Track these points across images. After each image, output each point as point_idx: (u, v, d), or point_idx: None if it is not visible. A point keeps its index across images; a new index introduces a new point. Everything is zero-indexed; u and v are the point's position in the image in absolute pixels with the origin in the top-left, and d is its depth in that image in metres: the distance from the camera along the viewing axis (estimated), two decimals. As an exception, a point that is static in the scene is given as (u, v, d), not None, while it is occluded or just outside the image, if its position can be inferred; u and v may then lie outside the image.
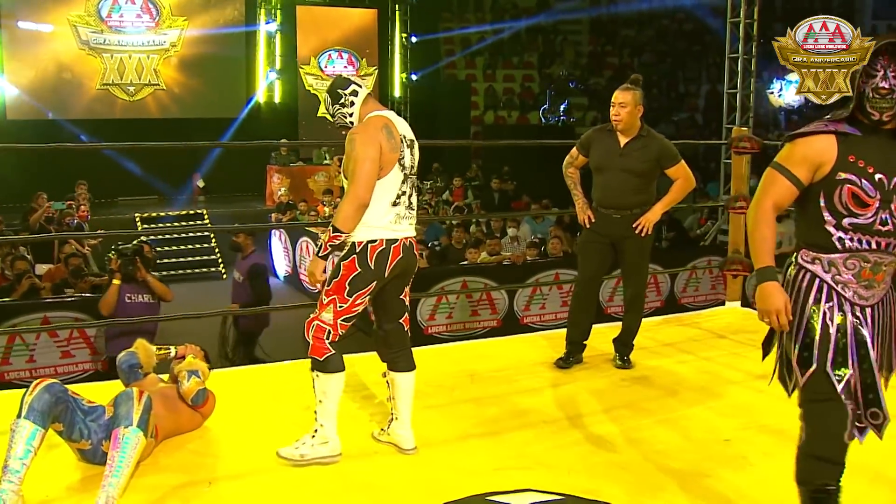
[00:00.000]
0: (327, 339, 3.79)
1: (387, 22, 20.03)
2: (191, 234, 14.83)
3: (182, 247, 14.63)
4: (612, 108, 5.19)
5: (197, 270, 14.35)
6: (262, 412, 4.54)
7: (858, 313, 2.87)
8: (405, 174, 3.85)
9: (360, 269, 3.75)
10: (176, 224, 15.15)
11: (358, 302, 3.79)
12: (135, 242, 7.29)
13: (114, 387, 4.24)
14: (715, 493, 3.61)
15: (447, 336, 9.42)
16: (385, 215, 3.80)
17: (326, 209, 13.22)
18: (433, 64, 21.58)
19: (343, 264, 3.77)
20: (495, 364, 5.42)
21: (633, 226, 5.18)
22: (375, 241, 3.77)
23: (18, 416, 3.36)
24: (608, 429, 4.33)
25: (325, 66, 18.97)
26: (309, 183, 16.43)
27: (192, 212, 15.66)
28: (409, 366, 4.04)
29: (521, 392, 4.92)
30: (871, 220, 2.81)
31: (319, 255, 3.78)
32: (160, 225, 15.08)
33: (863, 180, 2.79)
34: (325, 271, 3.85)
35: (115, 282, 7.06)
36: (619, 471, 3.81)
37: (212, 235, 14.96)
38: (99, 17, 16.68)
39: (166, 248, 14.38)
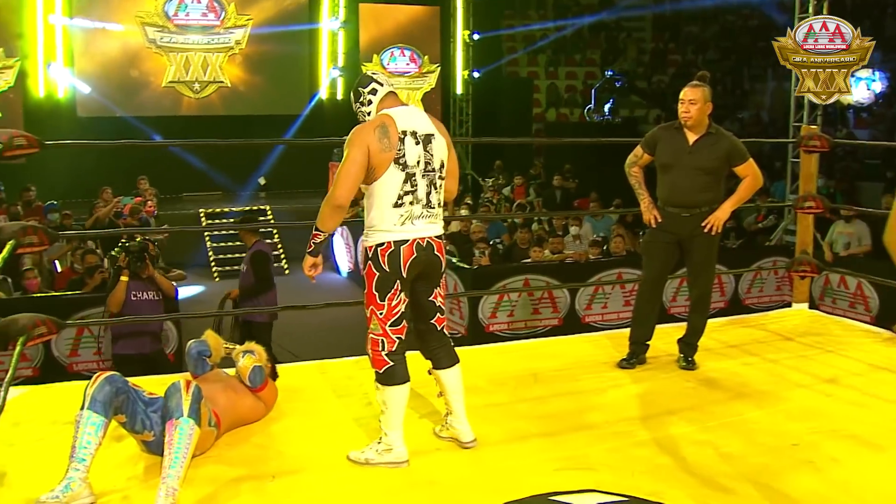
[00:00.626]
0: (383, 349, 3.80)
1: (449, 19, 20.00)
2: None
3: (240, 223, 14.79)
4: (680, 104, 5.11)
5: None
6: (326, 408, 4.56)
7: None
8: (408, 173, 3.77)
9: (378, 273, 3.76)
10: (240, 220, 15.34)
11: (393, 303, 3.78)
12: (139, 240, 7.22)
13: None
14: (783, 499, 3.53)
15: (508, 334, 9.40)
16: (388, 218, 3.76)
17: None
18: (495, 61, 21.51)
19: (365, 273, 3.82)
20: (558, 363, 5.37)
21: (702, 224, 5.10)
22: (383, 244, 3.75)
23: (82, 407, 3.44)
24: (672, 431, 4.25)
25: (388, 63, 19.10)
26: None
27: (255, 207, 15.84)
28: (451, 361, 4.02)
29: (583, 392, 4.87)
30: None
31: (307, 251, 3.87)
32: (223, 220, 15.27)
33: None
34: (313, 266, 3.93)
35: (124, 278, 7.03)
36: (684, 474, 3.75)
37: (275, 231, 15.13)
38: (165, 16, 16.97)
39: (229, 244, 14.58)
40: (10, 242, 3.95)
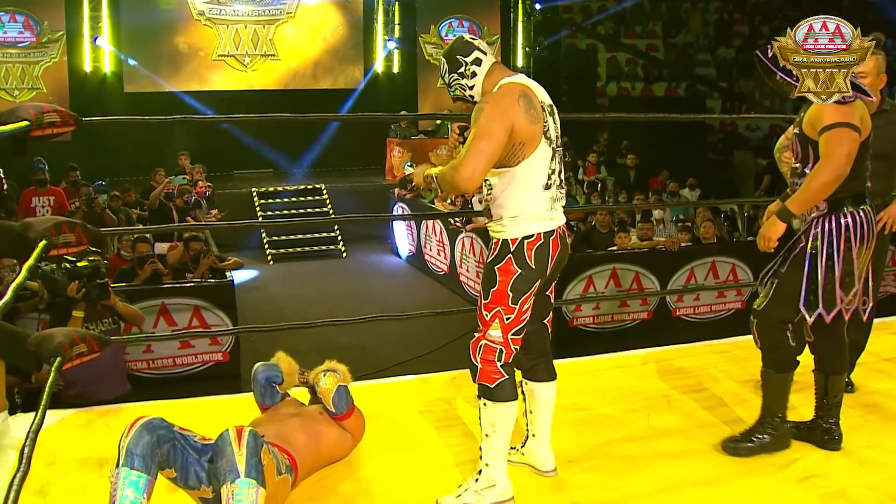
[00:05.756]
0: (499, 360, 3.16)
1: (509, -12, 19.09)
2: (309, 210, 14.34)
3: (298, 220, 14.16)
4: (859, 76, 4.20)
5: (316, 248, 13.76)
6: (415, 439, 3.79)
7: None
8: (553, 148, 3.20)
9: (519, 271, 3.14)
10: (293, 199, 14.64)
11: (525, 308, 3.18)
12: (91, 259, 5.31)
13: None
14: None
15: (594, 329, 8.60)
16: (540, 203, 3.16)
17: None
18: (554, 34, 20.57)
19: (498, 269, 3.15)
20: (687, 379, 4.53)
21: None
22: (532, 235, 3.14)
23: (117, 464, 2.66)
24: (833, 464, 3.53)
25: (446, 35, 18.37)
26: (431, 157, 15.71)
27: (309, 186, 15.12)
28: (549, 375, 3.46)
29: (711, 406, 4.12)
30: None
31: (432, 186, 3.32)
32: (277, 200, 14.58)
33: None
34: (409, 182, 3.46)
35: (78, 314, 5.21)
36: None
37: (331, 211, 14.42)
38: (214, -14, 16.16)
39: (284, 221, 13.94)
40: (41, 243, 3.18)
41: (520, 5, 19.18)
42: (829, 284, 3.48)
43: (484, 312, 3.17)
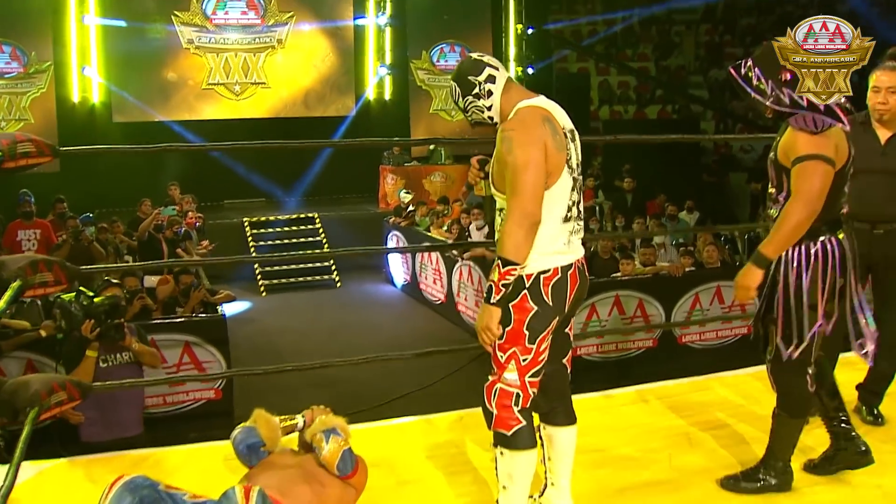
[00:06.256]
0: (516, 405, 2.93)
1: (500, 12, 18.92)
2: (302, 240, 14.09)
3: (293, 253, 13.85)
4: (874, 94, 3.98)
5: (309, 278, 13.49)
6: (422, 488, 3.52)
7: None
8: (574, 178, 2.97)
9: (536, 308, 2.90)
10: (286, 229, 14.38)
11: (543, 348, 2.94)
12: (106, 297, 5.04)
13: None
14: None
15: (598, 358, 8.35)
16: (558, 236, 2.92)
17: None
18: (545, 58, 20.45)
19: (512, 306, 2.90)
20: (707, 414, 4.27)
21: (900, 244, 4.00)
22: (548, 270, 2.91)
23: None
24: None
25: (437, 61, 18.19)
26: (424, 184, 15.54)
27: (302, 215, 14.85)
28: (569, 418, 3.20)
29: (732, 444, 3.87)
30: None
31: (492, 301, 2.86)
32: (269, 230, 14.31)
33: None
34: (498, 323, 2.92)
35: (91, 354, 4.98)
36: None
37: (324, 240, 14.16)
38: (204, 15, 16.03)
39: (276, 255, 13.62)
40: (14, 284, 2.92)
41: (511, 30, 19.03)
42: (798, 317, 3.28)
43: (499, 354, 2.92)
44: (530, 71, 19.50)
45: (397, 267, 13.33)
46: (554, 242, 2.90)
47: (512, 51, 19.16)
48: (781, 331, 3.33)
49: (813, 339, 3.31)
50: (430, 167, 16.10)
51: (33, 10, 15.01)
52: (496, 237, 3.04)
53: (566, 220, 2.93)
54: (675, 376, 4.95)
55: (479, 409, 3.97)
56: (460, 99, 3.04)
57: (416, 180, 15.57)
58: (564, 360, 3.15)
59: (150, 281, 8.60)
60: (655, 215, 12.65)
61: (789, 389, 3.39)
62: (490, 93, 2.97)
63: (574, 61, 22.32)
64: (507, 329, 2.90)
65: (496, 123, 3.02)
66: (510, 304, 2.89)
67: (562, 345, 3.10)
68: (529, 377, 2.92)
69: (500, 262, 2.81)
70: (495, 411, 2.93)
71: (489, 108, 2.99)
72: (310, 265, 13.65)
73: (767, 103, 3.25)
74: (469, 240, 10.49)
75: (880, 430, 4.11)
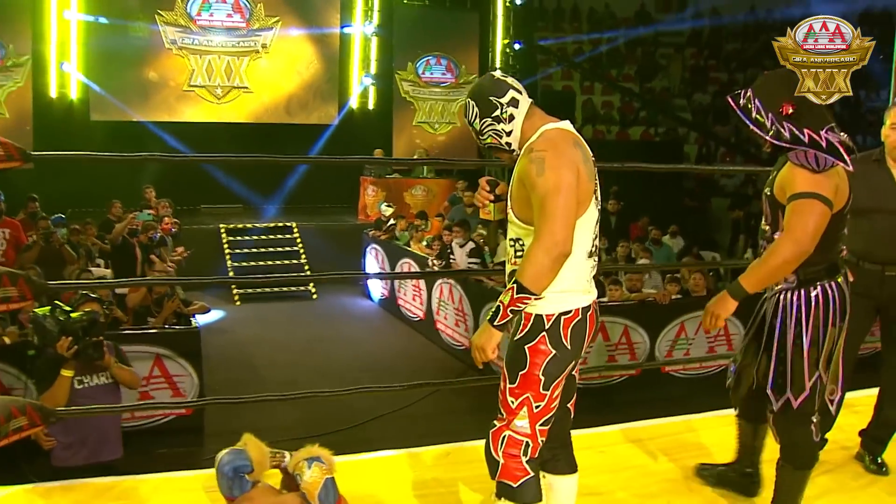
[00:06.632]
0: (524, 455, 2.71)
1: (488, 27, 18.78)
2: (279, 249, 13.81)
3: (269, 262, 13.57)
4: (893, 130, 3.81)
5: (285, 289, 13.20)
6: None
7: None
8: (598, 209, 2.80)
9: (554, 352, 2.69)
10: (263, 237, 14.08)
11: (556, 394, 2.74)
12: (84, 312, 4.65)
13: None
14: None
15: (580, 385, 8.12)
16: (583, 272, 2.73)
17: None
18: (531, 75, 20.35)
19: (528, 348, 2.69)
20: (704, 456, 4.08)
21: (914, 287, 3.83)
22: (570, 312, 2.69)
23: None
24: None
25: (423, 73, 17.99)
26: (405, 196, 15.31)
27: (280, 224, 14.55)
28: (572, 467, 3.03)
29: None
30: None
31: (495, 323, 2.64)
32: (246, 237, 14.02)
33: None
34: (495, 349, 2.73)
35: (66, 373, 4.56)
36: None
37: (301, 250, 13.89)
38: (188, 16, 15.74)
39: (252, 264, 13.36)
40: (-24, 301, 2.68)
41: (497, 45, 18.89)
42: (798, 366, 3.12)
43: (510, 399, 2.71)
44: (515, 88, 19.38)
45: (375, 281, 13.09)
46: (579, 280, 2.71)
47: (498, 66, 19.02)
48: (773, 380, 3.19)
49: (815, 387, 3.16)
50: (411, 180, 15.88)
51: (12, 3, 14.68)
52: (507, 267, 2.84)
53: (590, 255, 2.74)
54: (657, 406, 4.80)
55: (467, 444, 3.80)
56: (477, 120, 2.81)
57: (397, 193, 15.34)
58: (569, 405, 2.95)
59: (121, 289, 8.31)
60: (639, 239, 12.50)
61: (794, 440, 3.24)
62: (512, 117, 2.75)
63: (559, 79, 22.32)
64: (520, 373, 2.70)
65: (513, 150, 2.81)
66: (526, 346, 2.69)
67: (569, 387, 2.90)
68: (540, 425, 2.72)
69: (515, 286, 2.59)
70: (502, 460, 2.72)
71: (508, 134, 2.77)
72: (286, 275, 13.39)
73: (767, 137, 3.09)
74: (451, 257, 10.26)
75: (885, 479, 3.94)
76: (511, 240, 2.80)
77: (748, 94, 3.12)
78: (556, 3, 23.45)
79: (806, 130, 3.03)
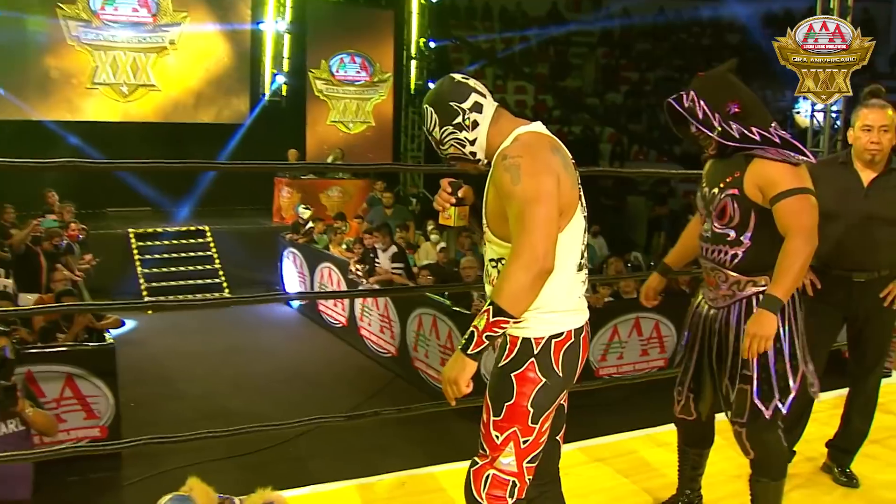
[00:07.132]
0: (510, 496, 2.42)
1: (403, 25, 18.50)
2: (191, 254, 13.27)
3: (181, 268, 13.02)
4: (865, 133, 3.62)
5: (199, 295, 12.65)
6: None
7: None
8: (584, 217, 2.54)
9: (544, 380, 2.41)
10: (175, 242, 13.49)
11: (545, 428, 2.46)
12: None
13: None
14: None
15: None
16: (573, 289, 2.46)
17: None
18: (445, 73, 20.15)
19: (514, 376, 2.40)
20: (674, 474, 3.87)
21: (881, 294, 3.68)
22: (561, 334, 2.42)
23: None
24: None
25: (337, 71, 17.59)
26: (322, 198, 14.92)
27: (192, 228, 13.98)
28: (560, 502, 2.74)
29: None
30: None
31: (468, 352, 2.32)
32: (157, 242, 13.43)
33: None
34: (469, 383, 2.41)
35: None
36: None
37: (215, 254, 13.37)
38: (90, 10, 14.97)
39: (163, 270, 12.80)
40: None
41: (412, 44, 18.62)
42: (780, 368, 2.99)
43: (494, 433, 2.41)
44: (431, 85, 19.14)
45: (293, 285, 12.67)
46: (569, 297, 2.44)
47: (413, 65, 18.77)
48: (758, 388, 2.99)
49: (798, 389, 3.03)
50: (327, 181, 15.48)
51: None
52: (487, 289, 2.56)
53: (580, 268, 2.48)
54: (592, 410, 4.84)
55: (421, 471, 3.51)
56: (436, 128, 2.51)
57: (312, 194, 14.91)
58: (558, 437, 2.68)
59: (26, 299, 7.76)
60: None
61: (767, 451, 3.06)
62: (476, 124, 2.47)
63: (471, 77, 22.12)
64: (506, 404, 2.40)
65: (479, 160, 2.52)
66: (513, 374, 2.40)
67: (559, 418, 2.63)
68: (528, 462, 2.43)
69: (491, 308, 2.29)
70: (484, 502, 2.42)
71: (472, 143, 2.49)
72: (199, 281, 12.87)
73: (714, 137, 2.94)
74: (376, 262, 9.96)
75: (857, 492, 3.79)
76: (492, 260, 2.51)
77: (691, 95, 2.96)
78: (467, 2, 23.29)
79: (754, 128, 2.90)
